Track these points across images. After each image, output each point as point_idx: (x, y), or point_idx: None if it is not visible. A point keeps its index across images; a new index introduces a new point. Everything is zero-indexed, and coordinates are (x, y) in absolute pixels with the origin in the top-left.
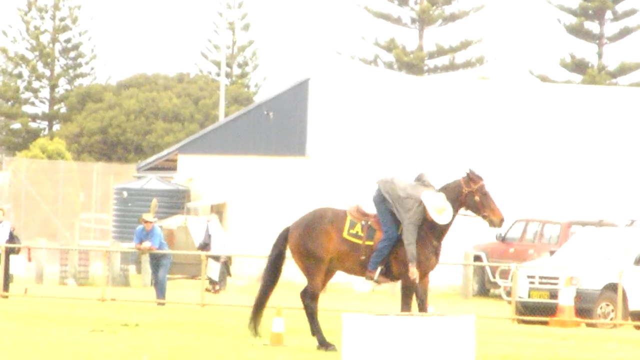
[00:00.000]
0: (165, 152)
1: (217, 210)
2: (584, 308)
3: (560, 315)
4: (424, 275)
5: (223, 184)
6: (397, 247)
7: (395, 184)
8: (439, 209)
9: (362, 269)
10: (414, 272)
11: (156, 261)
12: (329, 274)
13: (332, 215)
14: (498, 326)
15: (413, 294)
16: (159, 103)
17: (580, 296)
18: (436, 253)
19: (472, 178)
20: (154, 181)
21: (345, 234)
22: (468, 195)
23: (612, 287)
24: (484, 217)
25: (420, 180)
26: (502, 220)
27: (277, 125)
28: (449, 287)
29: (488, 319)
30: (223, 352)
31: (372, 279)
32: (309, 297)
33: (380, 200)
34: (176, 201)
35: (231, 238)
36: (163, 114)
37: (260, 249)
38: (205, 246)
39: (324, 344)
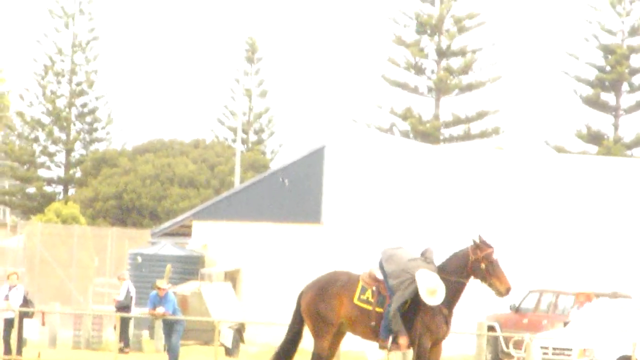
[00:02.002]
0: (180, 217)
1: (231, 276)
2: None
3: None
4: (435, 343)
5: (237, 250)
6: (407, 314)
7: (397, 255)
8: (431, 290)
9: (373, 335)
10: (404, 343)
11: (169, 327)
12: (338, 337)
13: (345, 280)
14: None
15: None
16: (174, 168)
17: None
18: (446, 321)
19: (479, 246)
20: (168, 247)
21: (356, 300)
22: (475, 263)
23: (626, 359)
24: (490, 285)
25: (424, 255)
26: (508, 290)
27: (292, 192)
28: (462, 357)
29: None
30: None
31: (385, 347)
32: (315, 359)
33: (382, 267)
34: (190, 267)
35: (243, 305)
36: (179, 179)
37: (274, 315)
38: (124, 308)
39: None
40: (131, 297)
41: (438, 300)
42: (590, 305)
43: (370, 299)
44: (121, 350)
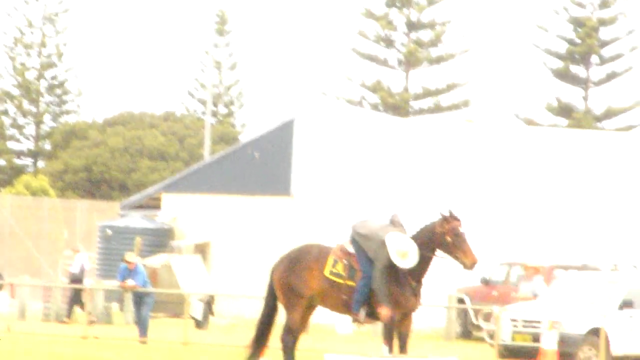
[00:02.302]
0: (149, 190)
1: (201, 249)
2: (567, 352)
3: (542, 358)
4: (405, 316)
5: (207, 223)
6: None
7: (367, 226)
8: (402, 253)
9: (345, 308)
10: (386, 314)
11: (139, 299)
12: (309, 310)
13: (317, 253)
14: None
15: (394, 335)
16: (144, 141)
17: (563, 340)
18: (415, 294)
19: (446, 219)
20: (137, 219)
21: (327, 273)
22: (441, 236)
23: (595, 332)
24: (456, 258)
25: (392, 221)
26: (473, 263)
27: (262, 165)
28: (432, 329)
29: None
30: None
31: (358, 321)
32: (286, 332)
33: (354, 239)
34: (160, 240)
35: (213, 277)
36: (148, 152)
37: (244, 288)
38: (77, 280)
39: None
40: (85, 270)
41: (410, 263)
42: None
43: (341, 272)
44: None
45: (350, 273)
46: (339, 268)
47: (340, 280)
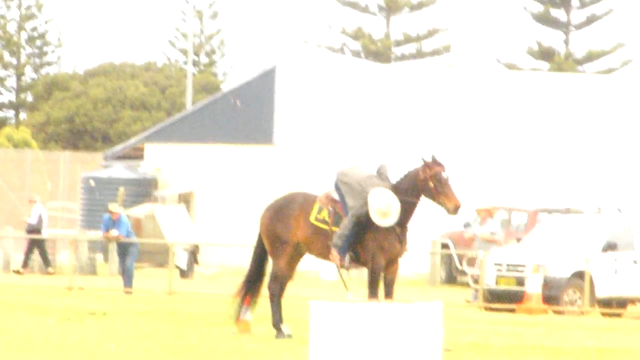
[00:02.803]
0: (132, 140)
1: (185, 199)
2: (551, 295)
3: (527, 302)
4: (390, 262)
5: (190, 173)
6: (363, 234)
7: (352, 174)
8: (382, 212)
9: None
10: (335, 257)
11: (123, 250)
12: (296, 258)
13: (302, 200)
14: (465, 314)
15: (379, 281)
16: (126, 91)
17: (547, 284)
18: (400, 240)
19: (429, 165)
20: (121, 170)
21: (312, 219)
22: (424, 182)
23: (580, 275)
24: (440, 203)
25: (378, 172)
26: (457, 207)
27: (244, 114)
28: (417, 275)
29: (455, 306)
30: (190, 340)
31: (343, 266)
32: (272, 279)
33: (337, 186)
34: (143, 190)
35: (197, 227)
36: (130, 102)
37: (228, 237)
38: (35, 231)
39: (277, 327)
40: (42, 221)
41: (390, 222)
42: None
43: (326, 218)
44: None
45: (335, 219)
46: (324, 214)
47: (326, 227)
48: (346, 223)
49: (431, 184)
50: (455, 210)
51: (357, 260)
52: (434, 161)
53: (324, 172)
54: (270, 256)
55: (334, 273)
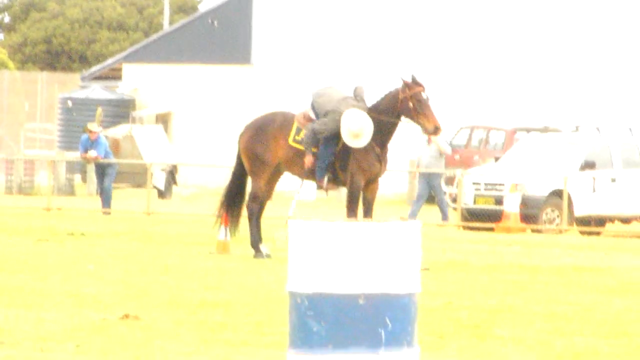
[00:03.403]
0: (109, 61)
1: (163, 119)
2: (530, 214)
3: (505, 221)
4: (370, 181)
5: (168, 93)
6: (342, 154)
7: (327, 94)
8: (354, 133)
9: (310, 175)
10: (309, 160)
11: (102, 170)
12: (275, 177)
13: (281, 120)
14: (444, 233)
15: (358, 201)
16: (103, 12)
17: (525, 202)
18: (380, 160)
19: (408, 85)
20: (98, 90)
21: (291, 140)
22: (403, 102)
23: (558, 193)
24: (419, 123)
25: (355, 94)
26: (436, 128)
27: (221, 34)
28: (395, 194)
29: (434, 225)
30: (169, 261)
31: (322, 187)
32: (251, 199)
33: (313, 107)
34: (121, 110)
35: (175, 147)
36: (107, 23)
37: (206, 157)
38: None
39: (255, 247)
40: None
41: (362, 143)
42: (521, 141)
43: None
44: None
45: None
46: (302, 135)
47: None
48: (309, 133)
49: (411, 104)
50: (435, 130)
51: (337, 181)
52: (414, 81)
53: (301, 92)
54: (250, 176)
55: (312, 193)
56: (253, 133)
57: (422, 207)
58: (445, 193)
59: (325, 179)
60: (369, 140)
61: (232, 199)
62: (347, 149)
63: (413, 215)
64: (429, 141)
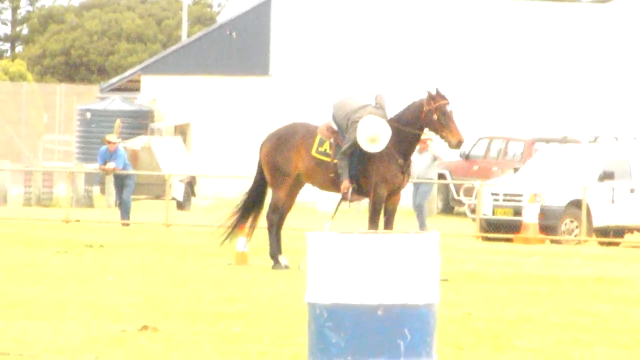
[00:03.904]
0: (128, 72)
1: (181, 130)
2: (548, 225)
3: (524, 232)
4: (393, 193)
5: (186, 105)
6: (365, 165)
7: (348, 104)
8: (371, 138)
9: (332, 186)
10: (346, 185)
11: (120, 182)
12: (296, 188)
13: (304, 132)
14: (463, 244)
15: (380, 212)
16: (121, 24)
17: (544, 213)
18: (402, 171)
19: (433, 97)
20: (117, 102)
21: (313, 152)
22: (427, 114)
23: (576, 204)
24: (442, 137)
25: (375, 101)
26: (460, 142)
27: (240, 45)
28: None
29: (453, 236)
30: (187, 272)
31: (346, 199)
32: (272, 209)
33: (334, 118)
34: (140, 122)
35: (194, 158)
36: (126, 34)
37: (224, 168)
38: None
39: (274, 258)
40: None
41: (379, 147)
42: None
43: (328, 150)
44: None
45: (337, 151)
46: (326, 147)
47: (327, 159)
48: (342, 154)
49: (435, 117)
50: (458, 144)
51: (360, 192)
52: (438, 94)
53: (319, 103)
54: (270, 186)
55: (331, 204)
56: (275, 144)
57: (439, 218)
58: (464, 204)
59: (350, 189)
60: (385, 145)
61: (250, 208)
62: (370, 160)
63: (422, 227)
64: (422, 150)
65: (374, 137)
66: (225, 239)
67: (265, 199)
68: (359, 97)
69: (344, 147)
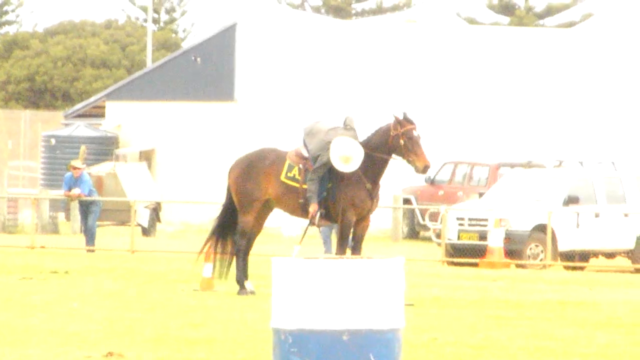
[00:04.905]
0: (92, 98)
1: (146, 156)
2: (514, 249)
3: (489, 256)
4: (361, 218)
5: (151, 130)
6: (334, 190)
7: (317, 128)
8: (344, 157)
9: (302, 211)
10: (314, 209)
11: (85, 208)
12: (264, 213)
13: (273, 157)
14: (428, 268)
15: (349, 237)
16: (86, 50)
17: (509, 237)
18: (371, 196)
19: (400, 121)
20: (82, 128)
21: (282, 177)
22: (395, 138)
23: (542, 228)
24: (409, 161)
25: (344, 124)
26: (426, 167)
27: (204, 71)
28: (379, 230)
29: (418, 261)
30: (153, 298)
31: (314, 223)
32: (240, 234)
33: (305, 142)
34: (105, 148)
35: (159, 184)
36: (91, 60)
37: (190, 194)
38: None
39: (240, 283)
40: None
41: (352, 167)
42: (505, 176)
43: (297, 176)
44: None
45: (306, 177)
46: (295, 172)
47: (296, 185)
48: (313, 175)
49: (402, 142)
50: (424, 169)
51: (328, 217)
52: (406, 118)
53: (285, 128)
54: (239, 211)
55: (296, 229)
56: (244, 169)
57: (405, 243)
58: (429, 229)
59: (318, 214)
60: (358, 165)
61: (222, 233)
62: (339, 185)
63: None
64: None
65: (347, 156)
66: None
67: (236, 224)
68: (327, 120)
69: (315, 166)
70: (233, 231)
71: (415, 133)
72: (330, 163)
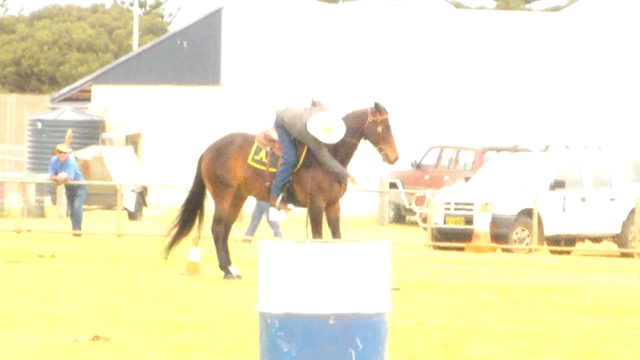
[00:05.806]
0: (79, 82)
1: (132, 140)
2: (500, 234)
3: (475, 241)
4: (332, 202)
5: (138, 114)
6: (299, 173)
7: (290, 111)
8: (326, 129)
9: (268, 195)
10: (354, 180)
11: (72, 192)
12: (239, 200)
13: (241, 141)
14: (414, 253)
15: (322, 221)
16: (72, 34)
17: (495, 222)
18: (339, 181)
19: (379, 109)
20: (68, 112)
21: (250, 160)
22: (371, 125)
23: (528, 213)
24: (380, 150)
25: (313, 102)
26: (396, 159)
27: (191, 55)
28: (365, 214)
29: (404, 245)
30: (139, 282)
31: (274, 206)
32: (215, 222)
33: (279, 125)
34: (91, 132)
35: (145, 168)
36: (77, 44)
37: (176, 178)
38: None
39: (224, 269)
40: None
41: (336, 138)
42: (491, 161)
43: (264, 159)
44: None
45: (272, 160)
46: (262, 155)
47: (263, 167)
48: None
49: (379, 129)
50: (395, 160)
51: (294, 200)
52: (382, 106)
53: (271, 112)
54: (213, 198)
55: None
56: (213, 155)
57: (391, 227)
58: (415, 213)
59: (279, 198)
60: (341, 136)
61: (188, 220)
62: (307, 169)
63: (250, 233)
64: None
65: (328, 127)
66: (168, 250)
67: (201, 211)
68: (297, 103)
69: (321, 152)
70: (201, 216)
71: (389, 123)
72: (316, 142)
